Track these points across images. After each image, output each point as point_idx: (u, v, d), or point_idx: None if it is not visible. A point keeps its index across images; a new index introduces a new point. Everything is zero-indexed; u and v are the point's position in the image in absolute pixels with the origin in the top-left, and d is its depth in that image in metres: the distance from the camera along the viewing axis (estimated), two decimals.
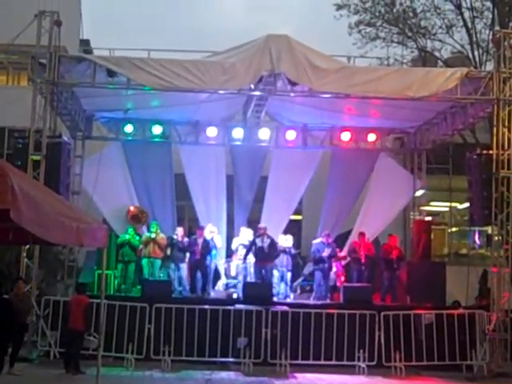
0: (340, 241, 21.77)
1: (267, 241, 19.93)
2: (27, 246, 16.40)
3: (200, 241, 19.98)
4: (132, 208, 21.47)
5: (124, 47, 19.31)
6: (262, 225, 20.56)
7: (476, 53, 23.93)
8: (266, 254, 19.82)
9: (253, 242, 20.07)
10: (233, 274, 20.91)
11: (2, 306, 14.01)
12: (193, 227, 21.91)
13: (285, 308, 17.80)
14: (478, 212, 18.53)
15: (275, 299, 19.19)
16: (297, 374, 16.61)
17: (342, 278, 20.77)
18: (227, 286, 20.89)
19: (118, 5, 46.44)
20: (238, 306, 17.66)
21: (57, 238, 8.44)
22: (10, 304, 14.29)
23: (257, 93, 18.54)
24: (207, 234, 20.37)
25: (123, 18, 44.58)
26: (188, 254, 20.07)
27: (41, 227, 7.67)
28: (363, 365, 17.00)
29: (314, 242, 20.96)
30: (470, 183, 18.97)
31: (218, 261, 21.11)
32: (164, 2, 47.19)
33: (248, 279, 20.07)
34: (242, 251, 20.45)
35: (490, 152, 18.04)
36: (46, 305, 17.08)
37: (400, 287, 20.70)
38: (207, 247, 19.99)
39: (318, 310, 17.58)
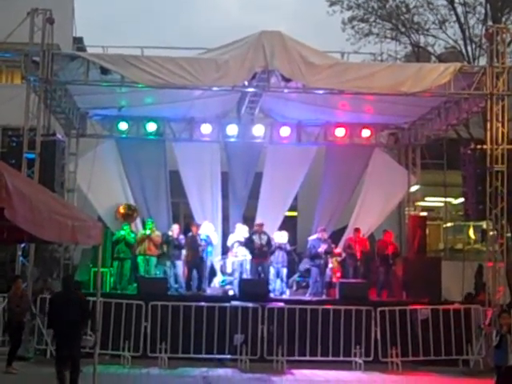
0: (335, 237, 21.78)
1: (264, 237, 19.98)
2: (22, 245, 16.37)
3: (196, 238, 19.99)
4: (121, 209, 21.44)
5: (117, 45, 19.27)
6: (258, 221, 20.59)
7: (469, 48, 23.92)
8: (262, 251, 19.87)
9: (249, 239, 20.09)
10: (229, 270, 20.92)
11: None
12: (188, 224, 21.90)
13: (281, 304, 17.81)
14: (472, 207, 18.54)
15: (271, 296, 19.20)
16: (294, 371, 16.66)
17: (338, 274, 20.79)
18: (223, 283, 20.91)
19: (111, 3, 46.34)
20: (234, 303, 17.67)
21: (51, 236, 8.42)
22: None
23: (251, 89, 18.52)
24: (203, 231, 20.36)
25: (117, 16, 44.47)
26: (184, 251, 20.08)
27: (35, 225, 7.64)
28: (360, 360, 17.02)
29: (310, 238, 21.03)
30: (464, 178, 18.99)
31: (214, 258, 21.12)
32: (158, 0, 47.17)
33: (244, 276, 20.08)
34: (237, 248, 20.47)
35: (484, 147, 18.05)
36: (42, 303, 17.06)
37: (396, 283, 20.77)
38: (204, 244, 20.02)
39: (314, 306, 17.60)
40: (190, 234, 20.18)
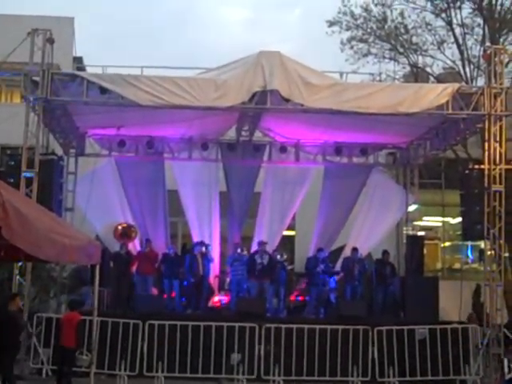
0: (333, 256, 21.79)
1: (266, 257, 20.00)
2: (19, 263, 16.35)
3: (198, 257, 20.03)
4: (119, 227, 21.47)
5: (117, 64, 19.38)
6: (261, 240, 20.62)
7: (467, 68, 24.04)
8: (265, 271, 19.88)
9: (251, 259, 20.12)
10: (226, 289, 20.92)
11: None
12: (186, 243, 21.90)
13: (278, 324, 17.78)
14: (470, 227, 18.56)
15: (268, 315, 19.18)
16: None
17: (336, 294, 20.78)
18: (220, 302, 20.89)
19: (114, 23, 46.71)
20: (232, 322, 17.63)
21: (49, 256, 8.45)
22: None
23: (250, 109, 18.57)
24: (201, 250, 20.40)
25: (119, 37, 44.80)
26: (181, 270, 20.08)
27: (33, 245, 7.67)
28: (357, 380, 16.95)
29: (308, 257, 21.03)
30: (462, 198, 19.02)
31: (212, 276, 21.12)
32: (161, 20, 47.51)
33: (241, 295, 20.07)
34: (235, 267, 20.48)
35: (482, 167, 18.08)
36: (39, 322, 17.04)
37: (393, 302, 20.72)
38: (205, 263, 20.06)
39: (312, 326, 17.55)
40: (187, 252, 20.23)
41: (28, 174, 17.10)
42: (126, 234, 21.39)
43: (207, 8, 51.87)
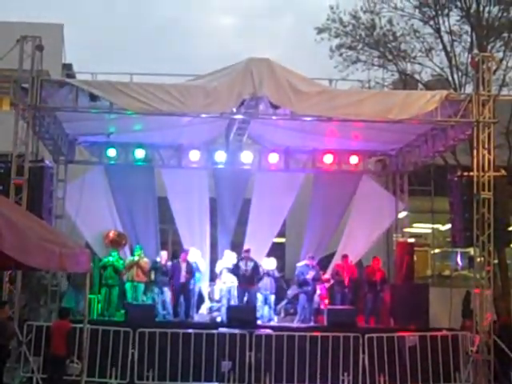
0: (323, 263, 21.80)
1: (250, 264, 20.01)
2: (9, 271, 16.29)
3: (183, 265, 20.02)
4: (111, 234, 21.44)
5: (106, 71, 19.34)
6: (245, 247, 20.62)
7: (455, 76, 24.10)
8: (248, 278, 19.89)
9: (236, 266, 20.13)
10: (216, 297, 20.91)
11: None
12: (177, 251, 21.91)
13: (269, 331, 17.77)
14: (459, 234, 18.61)
15: (259, 322, 19.17)
16: None
17: (326, 301, 20.79)
18: (211, 310, 20.89)
19: (103, 31, 46.68)
20: (222, 330, 17.62)
21: (39, 264, 8.42)
22: None
23: (239, 116, 18.57)
24: (191, 258, 20.39)
25: (106, 42, 44.75)
26: (170, 278, 20.06)
27: (23, 253, 7.65)
28: None
29: (299, 264, 21.05)
30: (451, 205, 19.08)
31: (202, 284, 21.10)
32: (150, 28, 47.52)
33: (232, 303, 20.06)
34: (225, 274, 20.48)
35: (471, 174, 18.14)
36: (29, 330, 16.95)
37: (383, 309, 20.78)
38: (191, 271, 20.03)
39: (302, 333, 17.56)
40: (176, 260, 20.20)
41: (18, 182, 17.04)
42: (116, 241, 21.34)
43: (196, 16, 52.00)
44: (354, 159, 22.33)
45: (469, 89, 22.34)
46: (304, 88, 17.49)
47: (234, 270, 20.14)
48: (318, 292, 20.77)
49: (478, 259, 18.21)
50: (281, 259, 23.01)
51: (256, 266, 20.11)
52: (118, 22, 47.70)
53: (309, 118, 18.09)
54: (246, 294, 20.05)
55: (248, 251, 20.31)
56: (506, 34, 23.96)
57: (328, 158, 22.15)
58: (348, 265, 20.84)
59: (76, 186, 20.98)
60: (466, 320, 20.23)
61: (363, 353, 17.42)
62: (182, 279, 19.90)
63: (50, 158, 20.20)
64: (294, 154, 22.47)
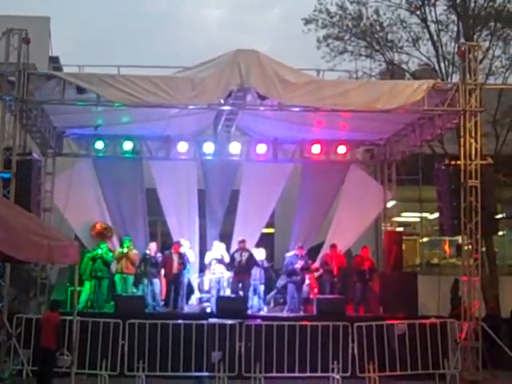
0: (312, 253, 21.87)
1: (245, 255, 20.09)
2: None
3: (176, 256, 20.07)
4: (97, 226, 21.44)
5: (93, 63, 19.29)
6: (240, 238, 20.67)
7: (442, 65, 24.19)
8: (243, 268, 19.96)
9: (232, 257, 20.21)
10: (206, 288, 20.97)
11: None
12: (166, 242, 21.90)
13: (258, 321, 17.84)
14: (447, 222, 18.71)
15: (249, 312, 19.23)
16: None
17: (315, 290, 20.88)
18: (200, 301, 20.93)
19: (91, 24, 46.52)
20: (212, 320, 17.66)
21: (28, 256, 8.45)
22: None
23: (227, 107, 18.59)
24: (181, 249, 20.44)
25: (96, 38, 44.59)
26: (159, 269, 20.09)
27: (11, 246, 7.67)
28: (337, 376, 16.99)
29: (288, 254, 21.12)
30: (439, 194, 19.17)
31: (191, 275, 21.14)
32: (138, 22, 47.40)
33: (221, 293, 20.12)
34: (214, 265, 20.53)
35: (458, 162, 18.24)
36: (19, 323, 16.96)
37: (372, 298, 20.87)
38: (183, 262, 20.09)
39: (292, 323, 17.63)
40: (169, 251, 20.24)
41: (5, 175, 17.01)
42: (102, 234, 21.34)
43: (185, 9, 51.89)
44: (341, 149, 22.40)
45: (455, 78, 22.45)
46: (291, 79, 17.51)
47: (230, 262, 20.21)
48: (307, 281, 20.84)
49: (466, 247, 18.33)
50: (270, 249, 23.07)
51: (250, 257, 20.18)
52: (103, 16, 47.61)
53: (296, 109, 18.12)
54: (240, 285, 20.12)
55: (243, 242, 20.38)
56: (492, 23, 24.09)
57: (316, 148, 22.20)
58: (337, 254, 20.92)
59: (64, 178, 20.97)
60: (455, 308, 20.38)
61: (352, 341, 17.50)
62: (175, 270, 19.96)
63: (37, 150, 20.14)
64: (282, 145, 22.51)
